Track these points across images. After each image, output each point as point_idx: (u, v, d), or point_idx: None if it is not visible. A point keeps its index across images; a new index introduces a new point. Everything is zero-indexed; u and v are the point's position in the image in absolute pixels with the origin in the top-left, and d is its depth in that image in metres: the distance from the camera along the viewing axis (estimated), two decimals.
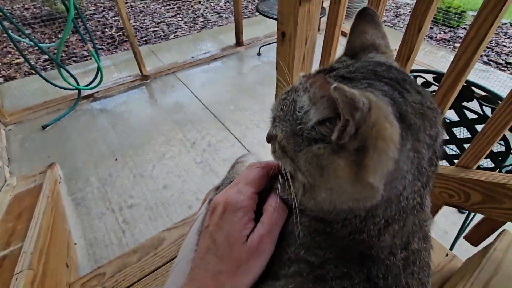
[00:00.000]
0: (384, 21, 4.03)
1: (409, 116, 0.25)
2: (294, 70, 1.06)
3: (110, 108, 2.49)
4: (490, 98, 0.86)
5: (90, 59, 3.09)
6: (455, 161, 1.15)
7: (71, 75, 2.31)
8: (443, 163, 1.15)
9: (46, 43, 3.19)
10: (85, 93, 2.53)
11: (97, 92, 2.58)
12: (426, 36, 3.58)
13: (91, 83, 2.47)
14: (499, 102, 0.97)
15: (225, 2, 4.41)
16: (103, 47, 3.34)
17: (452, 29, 3.76)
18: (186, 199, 1.80)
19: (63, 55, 3.16)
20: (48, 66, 3.02)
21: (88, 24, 3.71)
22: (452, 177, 0.72)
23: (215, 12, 4.14)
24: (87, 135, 2.21)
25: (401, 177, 0.26)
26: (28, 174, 1.70)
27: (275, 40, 3.20)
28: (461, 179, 0.70)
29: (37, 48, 2.56)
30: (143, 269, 1.10)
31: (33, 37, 3.36)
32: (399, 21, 4.06)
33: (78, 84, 2.38)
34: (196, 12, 4.09)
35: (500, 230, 0.74)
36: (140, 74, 2.75)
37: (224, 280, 0.33)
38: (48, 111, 2.40)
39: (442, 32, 3.70)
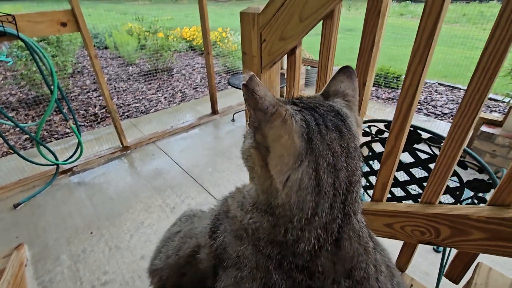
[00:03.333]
0: None
1: (315, 142, 0.28)
2: None
3: (89, 180, 2.36)
4: (435, 138, 0.91)
5: (72, 135, 3.03)
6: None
7: (50, 151, 2.22)
8: (409, 202, 1.15)
9: (29, 123, 3.13)
10: (64, 167, 2.41)
11: (76, 166, 2.47)
12: (374, 96, 3.96)
13: (70, 157, 2.38)
14: (443, 140, 1.03)
15: (201, 79, 4.73)
16: (85, 123, 3.32)
17: (393, 89, 4.21)
18: None
19: (45, 133, 3.09)
20: (28, 145, 2.91)
21: (72, 104, 3.75)
22: (419, 214, 0.71)
23: (192, 87, 4.39)
24: (62, 210, 2.03)
25: (302, 188, 0.27)
26: None
27: None
28: (427, 215, 0.69)
29: (18, 128, 2.50)
30: None
31: (16, 119, 3.31)
32: None
33: (57, 159, 2.28)
34: (175, 89, 4.31)
35: (475, 263, 0.70)
36: (121, 145, 2.71)
37: None
38: (23, 189, 2.22)
39: (386, 93, 4.12)
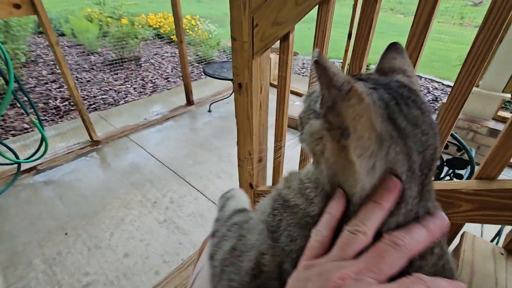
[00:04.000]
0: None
1: (400, 122, 0.26)
2: (253, 116, 1.08)
3: (57, 178, 2.18)
4: None
5: (32, 130, 2.77)
6: None
7: (9, 149, 2.01)
8: None
9: None
10: (26, 166, 2.20)
11: (40, 164, 2.27)
12: None
13: (33, 154, 2.17)
14: None
15: (172, 69, 4.54)
16: (47, 118, 3.05)
17: None
18: (152, 264, 1.56)
19: None
20: None
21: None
22: None
23: (163, 77, 4.20)
24: (29, 212, 1.86)
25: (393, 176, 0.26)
26: None
27: (223, 97, 3.33)
28: None
29: None
30: None
31: None
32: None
33: (17, 157, 2.07)
34: (144, 79, 4.09)
35: (461, 231, 0.77)
36: (90, 140, 2.53)
37: None
38: None
39: None
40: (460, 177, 1.05)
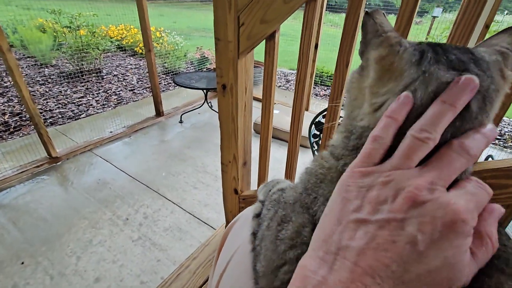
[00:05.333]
0: (279, 86, 4.66)
1: (425, 65, 0.25)
2: (238, 118, 1.05)
3: (8, 201, 1.92)
4: None
5: None
6: None
7: None
8: None
9: None
10: None
11: None
12: (313, 94, 4.26)
13: None
14: None
15: (137, 81, 4.35)
16: None
17: (328, 87, 4.62)
18: (128, 286, 1.42)
19: None
20: None
21: None
22: None
23: (128, 89, 4.00)
24: None
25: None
26: None
27: (194, 108, 3.25)
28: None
29: None
30: None
31: None
32: (290, 85, 4.77)
33: None
34: (108, 91, 3.86)
35: None
36: (48, 156, 2.29)
37: None
38: None
39: (323, 90, 4.50)
40: None
